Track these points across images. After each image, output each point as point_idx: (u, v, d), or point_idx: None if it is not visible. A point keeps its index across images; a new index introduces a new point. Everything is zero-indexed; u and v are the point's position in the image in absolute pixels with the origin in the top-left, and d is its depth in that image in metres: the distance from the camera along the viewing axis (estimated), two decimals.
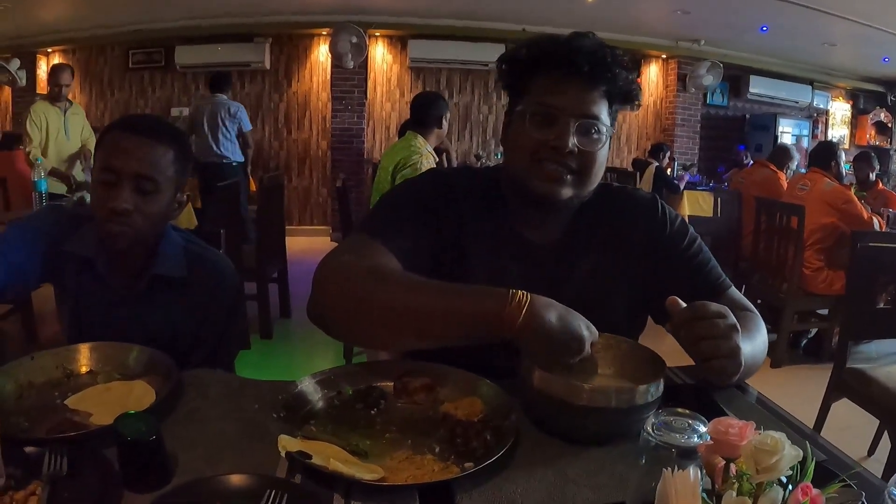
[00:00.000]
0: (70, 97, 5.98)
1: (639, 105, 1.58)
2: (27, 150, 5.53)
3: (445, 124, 4.40)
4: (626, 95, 1.49)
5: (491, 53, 8.93)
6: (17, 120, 10.30)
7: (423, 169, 4.04)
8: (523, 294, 1.21)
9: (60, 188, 5.44)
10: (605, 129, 1.44)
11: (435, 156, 4.34)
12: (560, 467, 1.08)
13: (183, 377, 1.37)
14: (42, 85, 10.40)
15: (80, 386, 1.40)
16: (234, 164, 7.33)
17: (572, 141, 1.40)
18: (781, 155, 6.34)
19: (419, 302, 1.29)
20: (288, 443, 1.07)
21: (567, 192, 1.46)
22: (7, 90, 10.73)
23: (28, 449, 1.09)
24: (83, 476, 1.04)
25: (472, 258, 1.53)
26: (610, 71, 1.42)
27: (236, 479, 1.01)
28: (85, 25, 9.64)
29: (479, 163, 9.07)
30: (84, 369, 1.47)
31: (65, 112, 5.72)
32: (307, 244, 6.36)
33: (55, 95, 5.66)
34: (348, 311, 1.35)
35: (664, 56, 10.47)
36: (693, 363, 1.26)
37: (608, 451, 1.13)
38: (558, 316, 1.21)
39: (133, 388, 1.37)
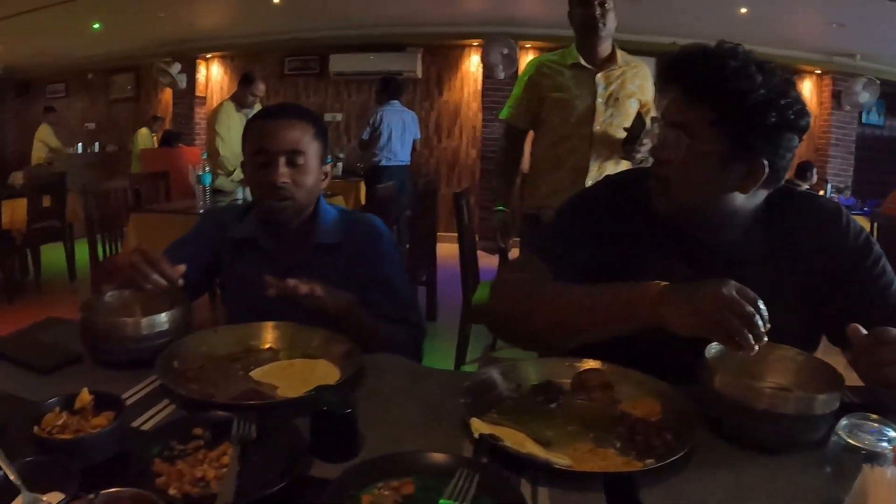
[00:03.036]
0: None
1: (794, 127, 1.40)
2: (220, 149, 5.67)
3: None
4: (748, 114, 1.34)
5: None
6: (177, 120, 10.81)
7: None
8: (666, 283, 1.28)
9: (224, 184, 5.60)
10: (688, 140, 1.39)
11: None
12: (736, 472, 1.10)
13: (364, 360, 1.47)
14: (201, 88, 10.91)
15: (262, 361, 1.53)
16: (402, 167, 7.50)
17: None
18: None
19: (570, 302, 1.43)
20: (480, 426, 1.14)
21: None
22: (168, 92, 11.33)
23: (218, 413, 1.20)
24: (272, 441, 1.13)
25: (641, 261, 1.55)
26: (716, 85, 1.35)
27: (428, 456, 1.06)
28: (242, 33, 10.14)
29: None
30: (265, 345, 1.61)
31: (248, 117, 5.79)
32: (452, 250, 6.29)
33: (245, 102, 5.81)
34: (516, 321, 1.54)
35: (818, 72, 9.90)
36: (865, 385, 1.23)
37: (782, 459, 1.14)
38: (699, 288, 1.21)
39: (316, 367, 1.48)
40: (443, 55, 9.82)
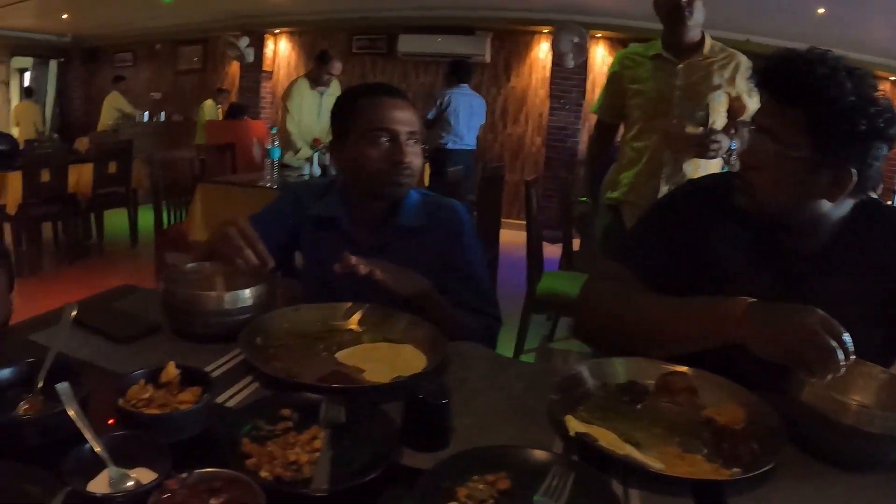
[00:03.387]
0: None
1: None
2: (287, 126, 5.72)
3: None
4: (837, 121, 1.32)
5: None
6: (243, 93, 10.90)
7: None
8: (753, 300, 1.28)
9: (291, 160, 5.62)
10: (776, 146, 1.38)
11: None
12: (818, 487, 1.08)
13: (448, 348, 1.44)
14: (268, 62, 10.99)
15: (344, 342, 1.50)
16: (468, 151, 7.48)
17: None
18: None
19: (657, 316, 1.46)
20: (576, 424, 1.12)
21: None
22: (235, 65, 11.44)
23: (306, 394, 1.17)
24: (361, 427, 1.10)
25: (726, 266, 1.53)
26: (805, 91, 1.33)
27: (522, 451, 1.05)
28: (312, 9, 10.19)
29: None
30: (347, 326, 1.59)
31: (322, 95, 5.88)
32: (513, 237, 6.24)
33: (320, 80, 5.83)
34: (602, 331, 1.60)
35: (892, 78, 9.47)
36: None
37: (865, 477, 1.11)
38: (785, 314, 1.23)
39: (401, 351, 1.46)
40: (512, 41, 9.68)
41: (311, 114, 5.80)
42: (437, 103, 7.25)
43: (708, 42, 3.10)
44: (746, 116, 3.03)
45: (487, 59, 9.59)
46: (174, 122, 11.63)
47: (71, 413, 0.95)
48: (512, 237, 6.71)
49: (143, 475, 0.92)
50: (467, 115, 7.33)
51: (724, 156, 3.05)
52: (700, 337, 1.37)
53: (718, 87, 3.05)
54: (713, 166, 3.09)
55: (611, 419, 1.21)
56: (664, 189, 3.10)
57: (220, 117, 10.23)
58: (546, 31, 9.33)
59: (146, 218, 6.82)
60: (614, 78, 3.29)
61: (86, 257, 6.61)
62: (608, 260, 1.69)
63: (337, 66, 5.79)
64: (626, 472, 1.04)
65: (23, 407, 1.10)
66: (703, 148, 2.97)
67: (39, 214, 5.95)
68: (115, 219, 7.18)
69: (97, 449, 0.92)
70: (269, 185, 4.47)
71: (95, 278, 5.96)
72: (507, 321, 4.01)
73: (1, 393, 1.12)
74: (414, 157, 1.85)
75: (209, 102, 10.50)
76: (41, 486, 0.88)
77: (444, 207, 1.96)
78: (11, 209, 5.58)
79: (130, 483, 0.90)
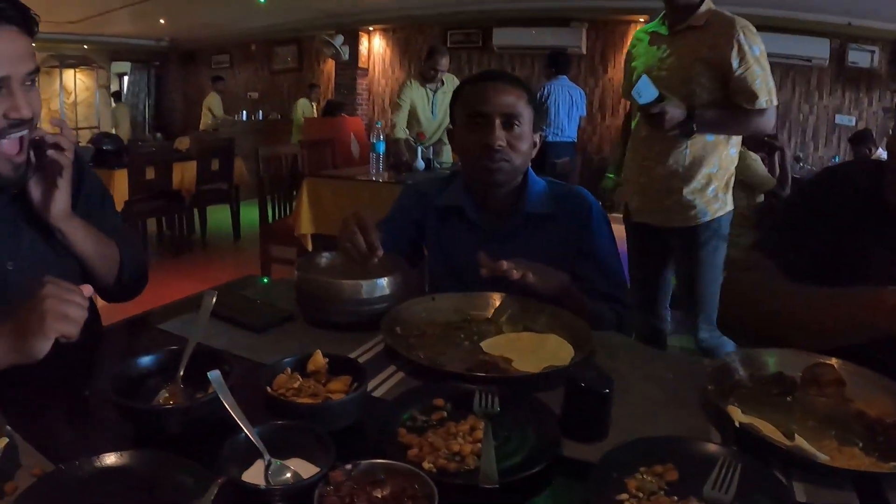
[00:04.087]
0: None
1: None
2: (392, 121, 5.73)
3: None
4: None
5: (813, 48, 8.33)
6: (339, 90, 11.04)
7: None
8: None
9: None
10: None
11: None
12: None
13: (593, 337, 1.40)
14: (363, 59, 11.12)
15: (483, 331, 1.47)
16: (569, 143, 7.38)
17: None
18: None
19: (803, 307, 1.38)
20: (739, 415, 1.10)
21: None
22: (330, 63, 11.58)
23: (457, 384, 1.15)
24: (518, 416, 1.07)
25: (868, 255, 1.45)
26: None
27: (688, 442, 1.02)
28: (406, 5, 10.15)
29: (800, 166, 8.23)
30: (486, 316, 1.56)
31: (434, 92, 5.84)
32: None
33: (428, 77, 5.80)
34: (748, 323, 1.54)
35: None
36: None
37: None
38: None
39: (546, 341, 1.42)
40: (608, 31, 9.47)
41: (424, 111, 5.79)
42: (537, 95, 7.14)
43: (704, 10, 2.79)
44: (757, 87, 2.71)
45: (583, 50, 9.41)
46: (271, 121, 11.85)
47: (226, 402, 0.91)
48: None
49: (299, 466, 0.88)
50: (567, 106, 7.23)
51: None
52: (851, 327, 1.30)
53: (702, 58, 2.75)
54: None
55: (765, 411, 1.17)
56: (644, 172, 2.95)
57: (315, 114, 10.38)
58: (642, 20, 8.98)
59: (247, 213, 6.95)
60: (627, 57, 3.18)
61: (190, 251, 6.79)
62: (750, 250, 1.63)
63: (443, 62, 5.72)
64: (789, 463, 1.00)
65: (163, 396, 1.09)
66: (648, 120, 2.73)
67: (145, 210, 6.15)
68: (218, 214, 7.35)
69: (253, 439, 0.88)
70: (374, 178, 4.46)
71: (200, 271, 6.16)
72: None
73: (141, 382, 1.10)
74: (513, 140, 1.79)
75: (303, 101, 10.67)
76: (193, 476, 0.86)
77: (571, 194, 1.92)
78: (118, 206, 5.71)
79: (288, 474, 0.87)
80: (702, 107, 2.74)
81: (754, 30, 2.74)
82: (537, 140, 1.90)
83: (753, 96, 2.69)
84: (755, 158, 4.51)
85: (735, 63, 2.68)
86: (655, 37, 2.94)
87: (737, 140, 2.94)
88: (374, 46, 11.38)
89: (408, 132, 5.60)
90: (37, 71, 1.32)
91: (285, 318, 1.49)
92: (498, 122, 1.77)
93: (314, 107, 10.66)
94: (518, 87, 1.84)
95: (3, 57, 1.25)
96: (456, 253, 1.87)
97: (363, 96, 11.33)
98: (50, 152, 1.36)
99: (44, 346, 1.07)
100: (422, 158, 4.84)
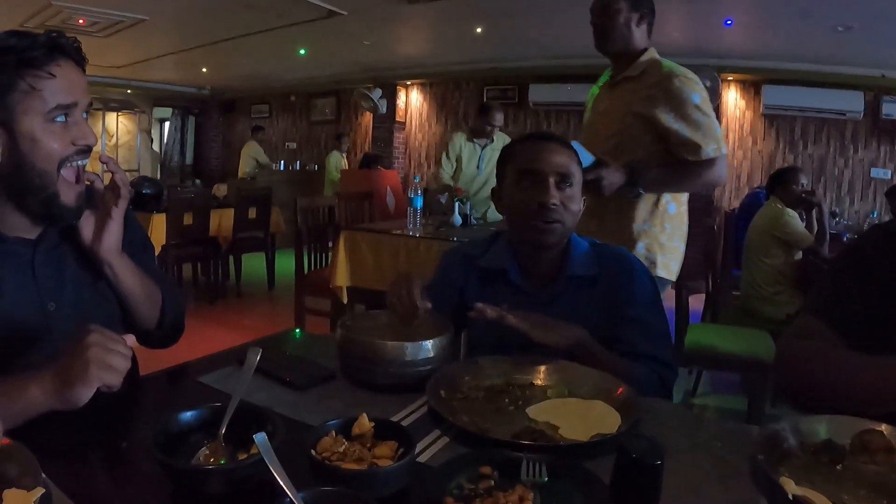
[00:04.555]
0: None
1: None
2: (440, 169, 5.77)
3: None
4: None
5: (847, 102, 8.25)
6: (376, 143, 11.16)
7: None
8: None
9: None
10: None
11: None
12: None
13: (641, 403, 1.38)
14: (401, 113, 11.25)
15: (529, 397, 1.46)
16: None
17: None
18: None
19: (858, 377, 1.35)
20: (792, 486, 1.05)
21: None
22: (367, 116, 11.70)
23: (503, 452, 1.12)
24: (566, 486, 1.05)
25: None
26: None
27: None
28: (444, 61, 10.30)
29: (836, 221, 8.13)
30: (531, 381, 1.53)
31: (483, 147, 5.76)
32: None
33: (482, 132, 5.74)
34: (806, 392, 1.49)
35: None
36: None
37: None
38: None
39: (592, 407, 1.40)
40: None
41: (469, 165, 5.74)
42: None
43: (645, 59, 2.70)
44: (699, 137, 2.57)
45: None
46: (308, 171, 11.99)
47: (272, 467, 0.89)
48: None
49: None
50: None
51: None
52: None
53: (632, 111, 2.64)
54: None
55: (816, 480, 1.14)
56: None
57: (346, 164, 10.48)
58: None
59: (283, 262, 6.99)
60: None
61: (224, 298, 6.84)
62: (803, 314, 1.60)
63: (498, 118, 5.67)
64: None
65: (204, 453, 1.08)
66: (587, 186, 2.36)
67: (182, 255, 6.23)
68: (253, 262, 7.41)
69: None
70: (411, 233, 4.46)
71: (234, 318, 6.18)
72: None
73: (181, 438, 1.09)
74: (566, 200, 1.78)
75: (335, 154, 10.71)
76: None
77: (613, 255, 1.90)
78: (156, 250, 5.79)
79: None
80: (641, 163, 2.59)
81: (694, 77, 2.63)
82: (582, 206, 1.88)
83: (696, 147, 2.57)
84: (793, 216, 4.46)
85: (668, 116, 2.56)
86: (603, 89, 2.88)
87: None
88: (412, 100, 11.54)
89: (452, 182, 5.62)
90: (91, 105, 1.37)
91: (327, 377, 1.48)
92: (552, 180, 1.76)
93: (344, 158, 10.76)
94: (569, 149, 1.86)
95: (75, 85, 1.30)
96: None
97: (400, 150, 11.45)
98: (113, 180, 1.40)
99: (86, 395, 1.07)
100: (458, 214, 4.83)
